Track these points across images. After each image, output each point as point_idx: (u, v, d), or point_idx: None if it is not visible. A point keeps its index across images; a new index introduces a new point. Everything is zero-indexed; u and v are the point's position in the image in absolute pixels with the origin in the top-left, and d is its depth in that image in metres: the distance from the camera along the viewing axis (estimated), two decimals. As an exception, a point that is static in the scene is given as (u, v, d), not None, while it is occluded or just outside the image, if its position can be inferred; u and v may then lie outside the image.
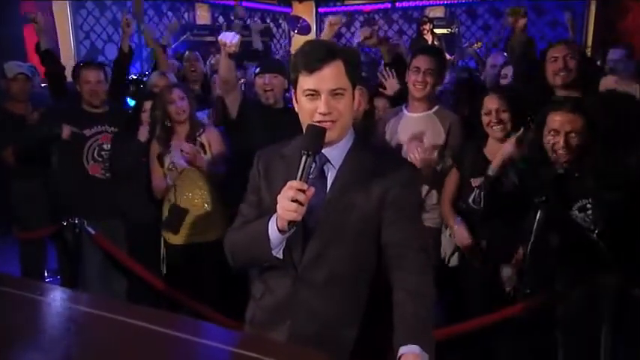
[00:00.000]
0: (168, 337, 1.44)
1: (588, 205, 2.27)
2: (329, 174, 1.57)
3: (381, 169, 1.55)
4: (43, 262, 3.98)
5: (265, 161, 1.66)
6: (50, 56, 3.85)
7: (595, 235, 2.26)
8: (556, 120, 2.27)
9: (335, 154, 1.56)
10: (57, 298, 1.72)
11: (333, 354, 1.49)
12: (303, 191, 1.38)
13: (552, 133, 2.28)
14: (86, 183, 3.36)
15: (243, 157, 3.03)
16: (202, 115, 3.62)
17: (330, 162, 1.56)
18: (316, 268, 1.54)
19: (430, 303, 1.43)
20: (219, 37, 2.77)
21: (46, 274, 4.13)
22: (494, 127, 2.64)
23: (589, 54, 5.34)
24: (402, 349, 1.29)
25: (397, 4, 7.21)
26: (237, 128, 3.09)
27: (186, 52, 4.47)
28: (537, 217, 2.27)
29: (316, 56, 1.49)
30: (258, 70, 3.12)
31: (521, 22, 3.29)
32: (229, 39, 2.71)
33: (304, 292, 1.56)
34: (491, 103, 2.64)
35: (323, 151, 1.54)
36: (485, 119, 2.66)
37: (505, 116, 2.62)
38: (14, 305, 1.63)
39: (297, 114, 1.61)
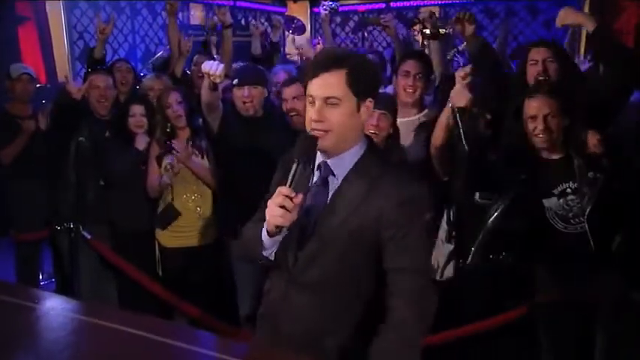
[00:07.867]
0: (164, 345, 1.45)
1: (569, 190, 2.29)
2: (332, 184, 1.56)
3: (384, 184, 1.51)
4: (38, 264, 3.97)
5: (287, 162, 1.64)
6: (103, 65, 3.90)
7: (584, 223, 2.26)
8: (532, 106, 2.32)
9: (339, 164, 1.55)
10: (53, 306, 1.73)
11: None
12: (291, 198, 1.41)
13: (531, 119, 2.32)
14: (97, 188, 3.36)
15: (229, 170, 3.04)
16: None
17: (332, 173, 1.56)
18: (307, 273, 1.56)
19: (411, 335, 1.45)
20: (203, 66, 2.60)
21: (41, 276, 4.11)
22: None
23: (582, 53, 5.31)
24: None
25: (392, 4, 7.19)
26: (220, 142, 3.05)
27: (196, 55, 4.30)
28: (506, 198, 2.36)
29: (320, 63, 1.51)
30: (236, 81, 3.03)
31: (469, 29, 2.95)
32: (214, 68, 2.54)
33: (294, 295, 1.58)
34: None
35: (327, 161, 1.55)
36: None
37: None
38: (10, 313, 1.64)
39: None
